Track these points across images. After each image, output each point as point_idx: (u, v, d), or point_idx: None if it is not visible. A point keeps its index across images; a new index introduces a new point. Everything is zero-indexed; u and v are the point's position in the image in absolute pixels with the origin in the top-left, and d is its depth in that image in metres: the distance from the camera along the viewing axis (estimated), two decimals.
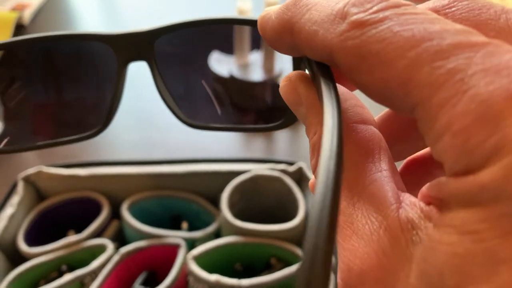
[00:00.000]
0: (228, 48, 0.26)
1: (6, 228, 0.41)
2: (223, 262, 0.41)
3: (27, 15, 0.81)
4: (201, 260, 0.39)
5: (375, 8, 0.11)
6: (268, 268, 0.41)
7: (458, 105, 0.09)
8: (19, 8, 0.82)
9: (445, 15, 0.13)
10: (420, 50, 0.10)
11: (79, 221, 0.44)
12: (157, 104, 0.25)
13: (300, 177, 0.45)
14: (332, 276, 0.35)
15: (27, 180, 0.44)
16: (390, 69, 0.10)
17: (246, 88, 0.27)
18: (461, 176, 0.09)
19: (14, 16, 0.78)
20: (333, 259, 0.36)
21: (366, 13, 0.11)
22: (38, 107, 0.24)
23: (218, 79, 0.26)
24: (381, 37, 0.11)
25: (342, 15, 0.11)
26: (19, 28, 0.79)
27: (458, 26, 0.10)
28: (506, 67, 0.09)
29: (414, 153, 0.17)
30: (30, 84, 0.24)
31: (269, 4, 0.57)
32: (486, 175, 0.09)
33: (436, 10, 0.13)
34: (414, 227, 0.10)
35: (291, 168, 0.44)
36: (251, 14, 0.60)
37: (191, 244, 0.43)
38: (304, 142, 0.57)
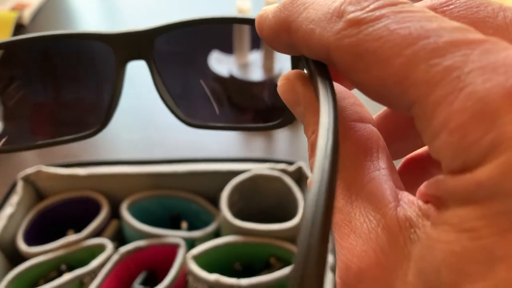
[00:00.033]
0: (227, 48, 0.26)
1: (6, 227, 0.41)
2: (222, 262, 0.41)
3: (26, 14, 0.81)
4: (200, 259, 0.39)
5: (372, 6, 0.11)
6: (267, 267, 0.41)
7: (455, 103, 0.09)
8: (19, 8, 0.82)
9: (443, 13, 0.13)
10: (417, 48, 0.10)
11: (79, 221, 0.44)
12: (156, 103, 0.25)
13: (299, 177, 0.45)
14: (331, 275, 0.35)
15: (27, 179, 0.44)
16: (387, 67, 0.10)
17: (245, 88, 0.27)
18: (458, 174, 0.09)
19: (13, 15, 0.78)
20: (332, 258, 0.36)
21: (363, 11, 0.11)
22: (37, 106, 0.24)
23: (218, 78, 0.26)
24: (378, 35, 0.10)
25: (339, 13, 0.11)
26: (19, 27, 0.79)
27: (455, 24, 0.10)
28: (503, 64, 0.09)
29: (413, 151, 0.17)
30: (29, 83, 0.24)
31: (268, 3, 0.57)
32: (482, 173, 0.09)
33: (434, 8, 0.13)
34: (412, 225, 0.10)
35: (291, 168, 0.44)
36: (250, 13, 0.60)
37: (191, 243, 0.42)
38: (304, 141, 0.57)
